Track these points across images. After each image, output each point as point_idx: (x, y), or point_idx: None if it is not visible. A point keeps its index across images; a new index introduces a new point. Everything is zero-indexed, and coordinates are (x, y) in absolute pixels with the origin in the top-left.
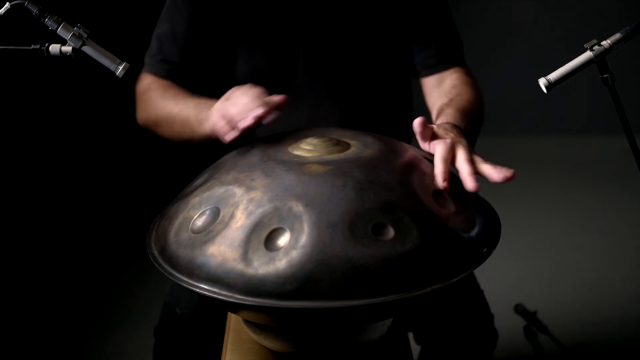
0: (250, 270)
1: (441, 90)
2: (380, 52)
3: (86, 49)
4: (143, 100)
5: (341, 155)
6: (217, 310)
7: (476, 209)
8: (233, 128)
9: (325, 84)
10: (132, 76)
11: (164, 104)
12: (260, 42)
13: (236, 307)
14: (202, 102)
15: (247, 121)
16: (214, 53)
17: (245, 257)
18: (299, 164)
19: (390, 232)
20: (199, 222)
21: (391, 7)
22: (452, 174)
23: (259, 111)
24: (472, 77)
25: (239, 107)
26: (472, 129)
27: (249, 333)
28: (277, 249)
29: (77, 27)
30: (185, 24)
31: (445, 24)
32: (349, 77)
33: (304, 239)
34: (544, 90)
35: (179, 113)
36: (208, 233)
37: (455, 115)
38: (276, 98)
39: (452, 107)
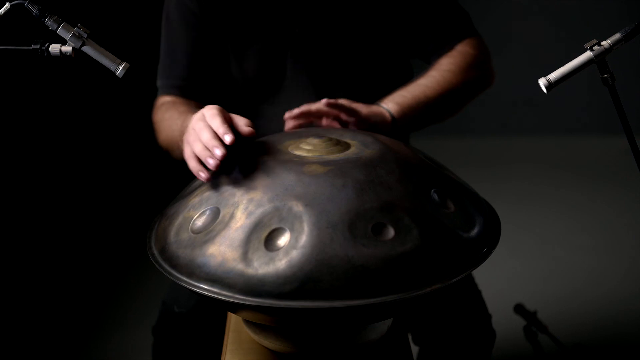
0: (250, 270)
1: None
2: (366, 51)
3: (86, 49)
4: (155, 127)
5: (341, 155)
6: (217, 310)
7: (476, 209)
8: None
9: (314, 84)
10: (132, 76)
11: (165, 129)
12: (248, 45)
13: (236, 307)
14: (186, 120)
15: (214, 162)
16: (212, 59)
17: (245, 257)
18: (299, 164)
19: (390, 232)
20: (199, 222)
21: (379, 6)
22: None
23: (220, 152)
24: (472, 53)
25: (201, 145)
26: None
27: (249, 333)
28: (277, 249)
29: (77, 27)
30: (181, 39)
31: (441, 6)
32: (338, 77)
33: (304, 239)
34: (544, 90)
35: (172, 138)
36: (208, 233)
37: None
38: (243, 128)
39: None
